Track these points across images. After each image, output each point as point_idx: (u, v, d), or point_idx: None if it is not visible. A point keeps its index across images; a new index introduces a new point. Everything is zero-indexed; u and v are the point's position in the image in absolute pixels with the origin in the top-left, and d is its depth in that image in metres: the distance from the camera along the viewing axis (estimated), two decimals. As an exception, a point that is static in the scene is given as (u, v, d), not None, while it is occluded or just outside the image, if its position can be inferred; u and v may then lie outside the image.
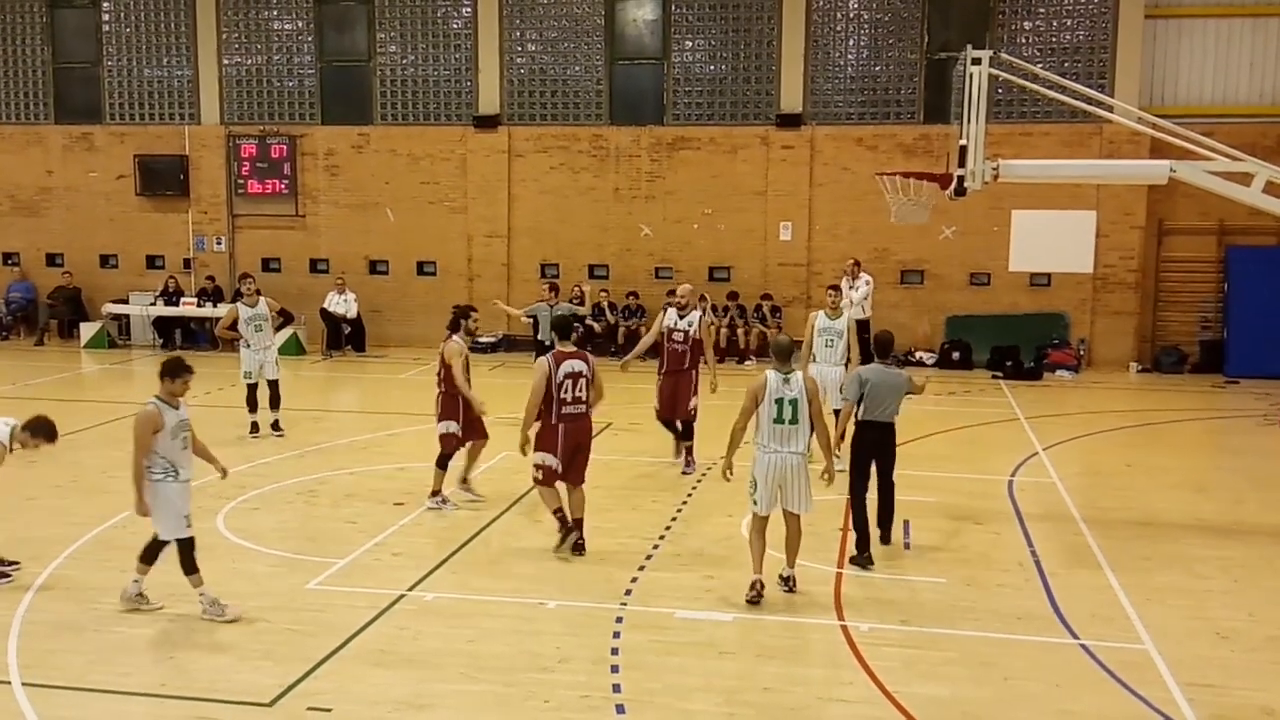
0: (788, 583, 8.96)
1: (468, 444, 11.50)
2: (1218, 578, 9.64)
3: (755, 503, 8.87)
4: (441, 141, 23.19)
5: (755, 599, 8.67)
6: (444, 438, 11.32)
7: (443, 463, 11.37)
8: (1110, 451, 14.79)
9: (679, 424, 13.14)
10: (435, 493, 11.32)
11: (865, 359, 11.82)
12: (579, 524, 9.95)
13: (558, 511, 9.96)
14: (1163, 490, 12.66)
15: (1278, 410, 17.46)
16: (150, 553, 8.47)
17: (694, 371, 13.04)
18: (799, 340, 12.82)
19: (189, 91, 24.01)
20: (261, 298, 15.11)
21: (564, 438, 9.82)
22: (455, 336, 11.34)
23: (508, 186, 22.97)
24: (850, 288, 18.60)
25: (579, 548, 9.86)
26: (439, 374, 11.37)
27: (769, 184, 22.12)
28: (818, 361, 13.09)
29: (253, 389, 14.72)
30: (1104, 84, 20.61)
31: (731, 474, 9.07)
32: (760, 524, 8.87)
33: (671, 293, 14.04)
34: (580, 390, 9.84)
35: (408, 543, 10.21)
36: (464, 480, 11.64)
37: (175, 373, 8.37)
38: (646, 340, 13.44)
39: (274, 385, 14.85)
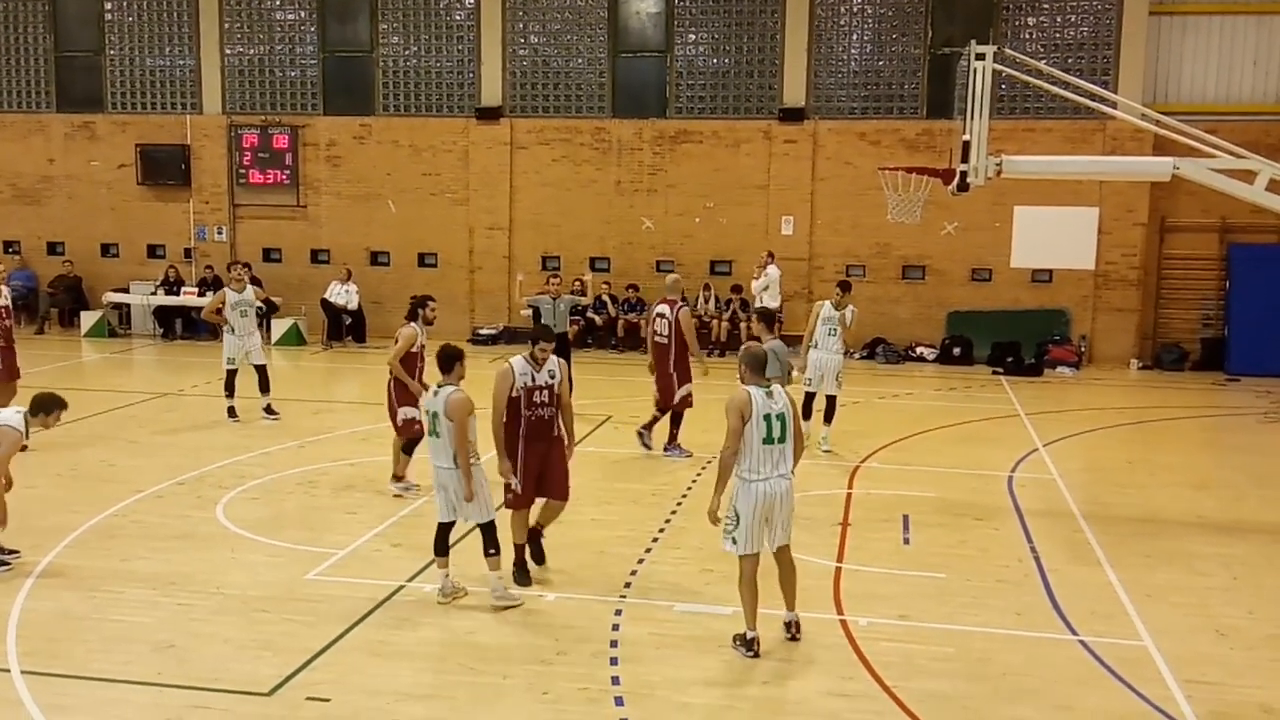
0: (791, 629, 7.90)
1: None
2: (1218, 575, 9.64)
3: (734, 542, 7.60)
4: (443, 133, 23.14)
5: (755, 655, 7.62)
6: (406, 424, 11.25)
7: (409, 448, 11.39)
8: (1111, 448, 14.79)
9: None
10: (398, 478, 11.39)
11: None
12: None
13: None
14: (1163, 487, 12.65)
15: (1278, 408, 17.46)
16: (490, 542, 8.47)
17: None
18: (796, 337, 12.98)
19: (191, 81, 23.96)
20: (249, 285, 15.38)
21: None
22: (412, 324, 11.39)
23: (510, 178, 22.92)
24: (754, 278, 20.17)
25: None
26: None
27: (771, 178, 22.08)
28: (819, 349, 13.55)
29: (232, 374, 14.89)
30: (1108, 80, 20.56)
31: (721, 516, 7.68)
32: (750, 567, 7.63)
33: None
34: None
35: (407, 534, 10.18)
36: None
37: (463, 357, 8.53)
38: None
39: (262, 370, 15.01)
